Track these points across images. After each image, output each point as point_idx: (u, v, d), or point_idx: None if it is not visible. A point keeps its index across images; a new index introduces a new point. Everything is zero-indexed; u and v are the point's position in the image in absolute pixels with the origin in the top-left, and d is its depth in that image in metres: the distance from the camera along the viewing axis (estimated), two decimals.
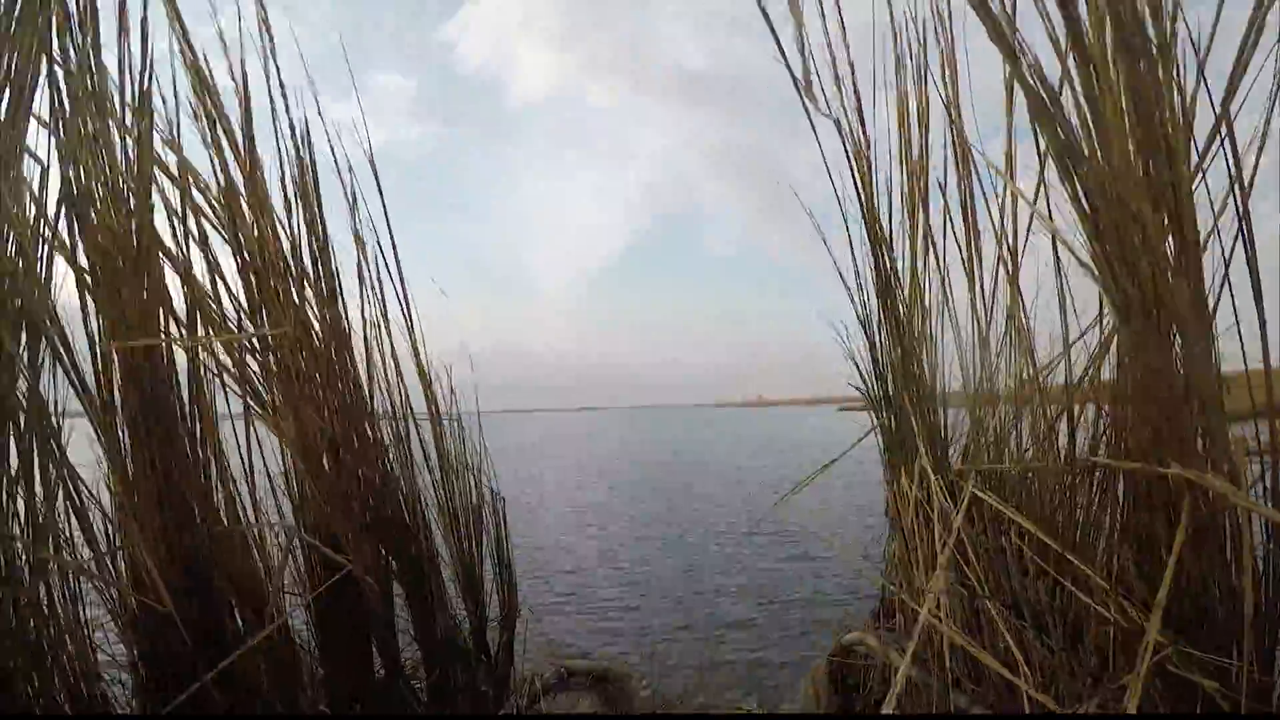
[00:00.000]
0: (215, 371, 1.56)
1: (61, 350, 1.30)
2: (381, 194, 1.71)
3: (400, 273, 1.78)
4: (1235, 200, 1.12)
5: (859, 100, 1.54)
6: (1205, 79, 1.11)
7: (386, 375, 1.80)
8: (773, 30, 1.22)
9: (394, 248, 1.82)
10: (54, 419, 1.28)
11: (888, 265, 1.66)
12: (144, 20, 1.38)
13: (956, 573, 1.72)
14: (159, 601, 1.32)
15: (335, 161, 1.71)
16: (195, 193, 1.57)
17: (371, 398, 1.79)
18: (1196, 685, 1.26)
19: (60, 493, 1.31)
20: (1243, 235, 1.12)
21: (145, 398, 1.40)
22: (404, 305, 1.80)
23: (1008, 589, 1.67)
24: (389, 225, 1.82)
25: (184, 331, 1.49)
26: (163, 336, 1.40)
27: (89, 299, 1.35)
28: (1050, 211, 1.43)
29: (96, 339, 1.35)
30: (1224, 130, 1.09)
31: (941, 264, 1.67)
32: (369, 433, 1.79)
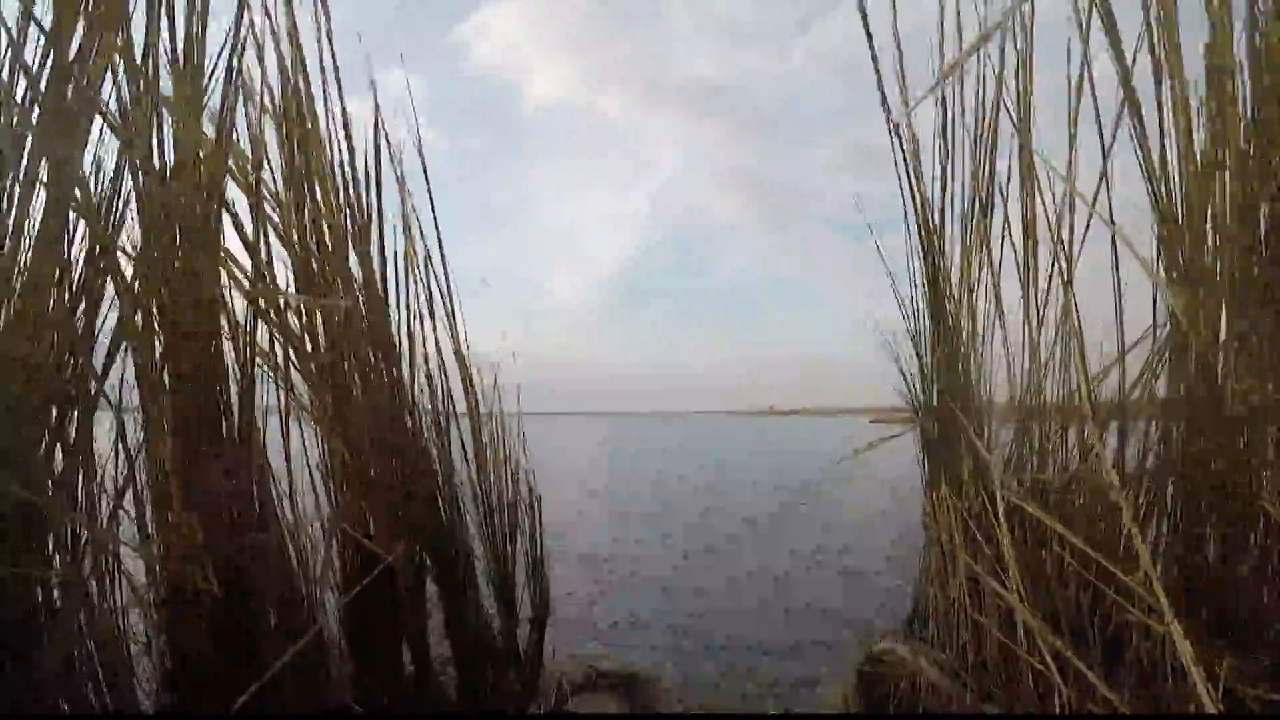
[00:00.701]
0: (261, 364, 1.56)
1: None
2: (428, 180, 1.72)
3: (445, 265, 1.78)
4: None
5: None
6: None
7: (428, 369, 1.80)
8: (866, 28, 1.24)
9: (439, 240, 1.83)
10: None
11: (939, 272, 1.67)
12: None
13: (995, 583, 1.74)
14: (204, 580, 1.31)
15: (374, 149, 1.71)
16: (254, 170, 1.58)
17: (413, 391, 1.79)
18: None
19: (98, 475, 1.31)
20: None
21: (192, 386, 1.40)
22: (447, 299, 1.80)
23: (1047, 601, 1.69)
24: (434, 215, 1.83)
25: (237, 322, 1.48)
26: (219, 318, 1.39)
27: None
28: (1111, 210, 1.44)
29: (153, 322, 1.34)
30: None
31: (995, 270, 1.69)
32: (409, 426, 1.79)
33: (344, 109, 1.65)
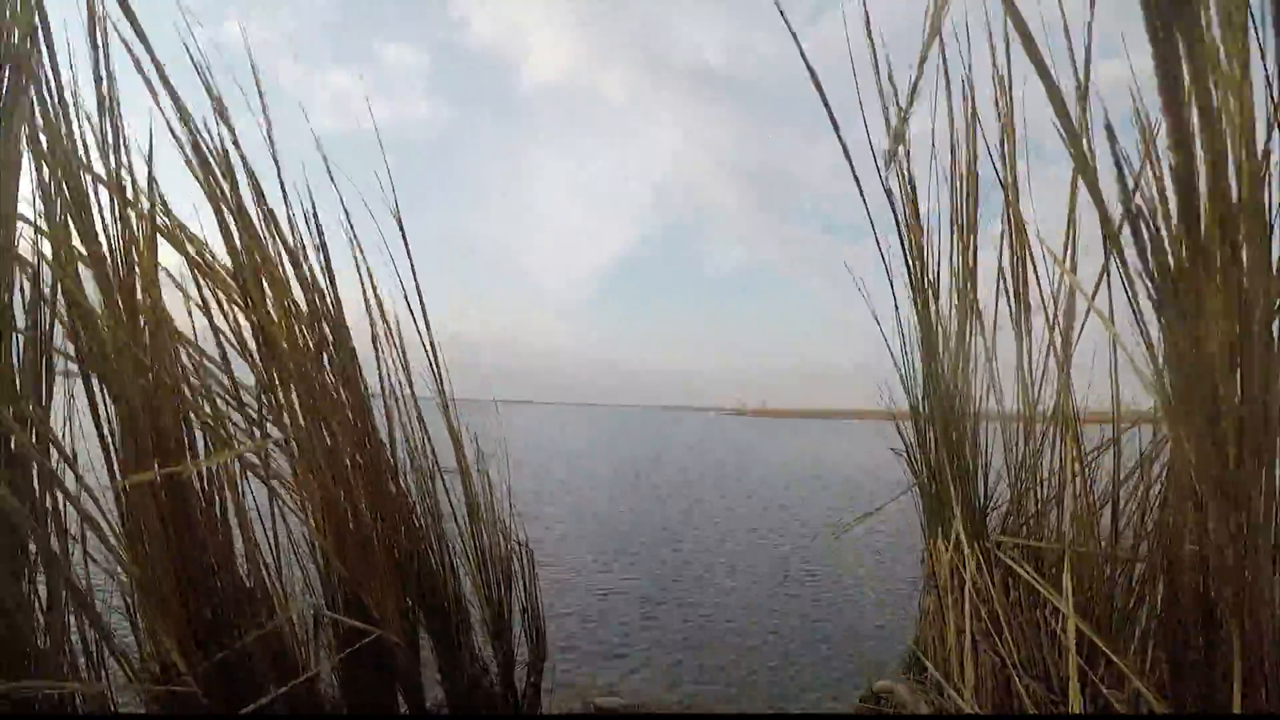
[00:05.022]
0: (234, 446, 1.67)
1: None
2: (407, 245, 1.78)
3: (429, 325, 1.86)
4: None
5: (913, 182, 1.56)
6: None
7: (410, 432, 1.90)
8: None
9: (420, 299, 1.90)
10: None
11: (935, 336, 1.71)
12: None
13: (989, 641, 1.84)
14: (183, 682, 1.47)
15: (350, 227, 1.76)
16: (201, 261, 1.66)
17: (394, 454, 1.89)
18: None
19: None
20: None
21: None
22: (434, 363, 1.88)
23: (1040, 662, 1.79)
24: (414, 272, 1.90)
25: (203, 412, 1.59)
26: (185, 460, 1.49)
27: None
28: (1111, 308, 1.46)
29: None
30: None
31: (989, 333, 1.72)
32: (394, 489, 1.90)
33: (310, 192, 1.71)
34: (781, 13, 1.45)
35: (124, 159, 1.51)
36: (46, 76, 1.36)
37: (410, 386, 1.90)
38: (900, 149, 1.75)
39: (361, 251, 1.87)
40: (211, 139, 1.61)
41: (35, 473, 1.38)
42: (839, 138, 1.54)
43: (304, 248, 1.77)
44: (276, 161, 1.70)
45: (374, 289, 1.88)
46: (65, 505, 1.42)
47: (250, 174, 1.65)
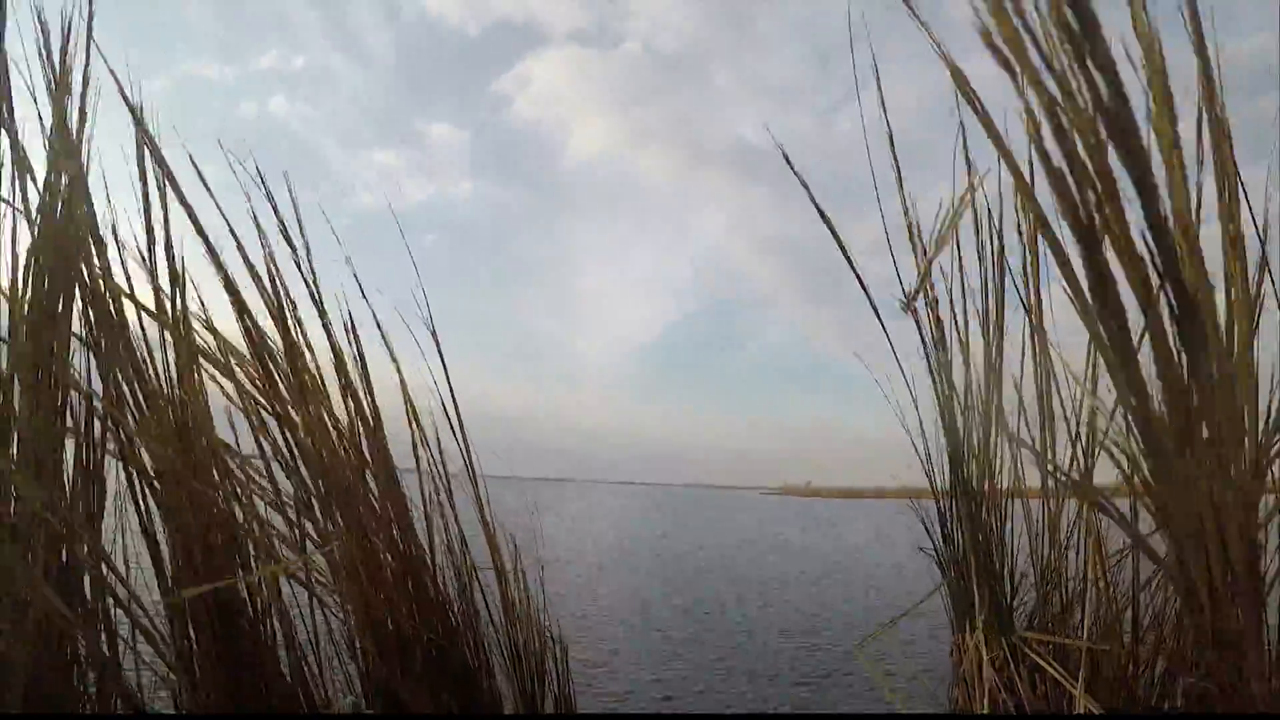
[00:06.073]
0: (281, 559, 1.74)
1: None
2: (446, 369, 1.86)
3: (466, 440, 1.93)
4: None
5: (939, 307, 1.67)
6: None
7: (448, 535, 1.97)
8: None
9: (454, 399, 1.97)
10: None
11: (961, 446, 1.80)
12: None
13: None
14: None
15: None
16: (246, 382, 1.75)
17: (433, 558, 1.96)
18: None
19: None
20: None
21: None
22: (470, 469, 1.96)
23: None
24: (446, 374, 1.98)
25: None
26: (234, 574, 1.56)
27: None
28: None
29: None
30: None
31: (1013, 441, 1.82)
32: (431, 592, 1.97)
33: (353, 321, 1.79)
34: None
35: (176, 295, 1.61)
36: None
37: (450, 495, 1.97)
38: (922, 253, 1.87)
39: (397, 362, 1.95)
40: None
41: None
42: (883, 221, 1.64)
43: (344, 358, 1.84)
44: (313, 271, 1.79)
45: (409, 401, 1.96)
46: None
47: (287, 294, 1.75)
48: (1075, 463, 1.66)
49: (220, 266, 1.68)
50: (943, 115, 1.88)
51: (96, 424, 1.59)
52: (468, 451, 1.98)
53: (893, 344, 1.88)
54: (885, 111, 1.89)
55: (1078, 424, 1.65)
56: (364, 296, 1.85)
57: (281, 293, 1.75)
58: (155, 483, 1.63)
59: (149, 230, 1.66)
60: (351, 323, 1.87)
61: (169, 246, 1.66)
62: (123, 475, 1.64)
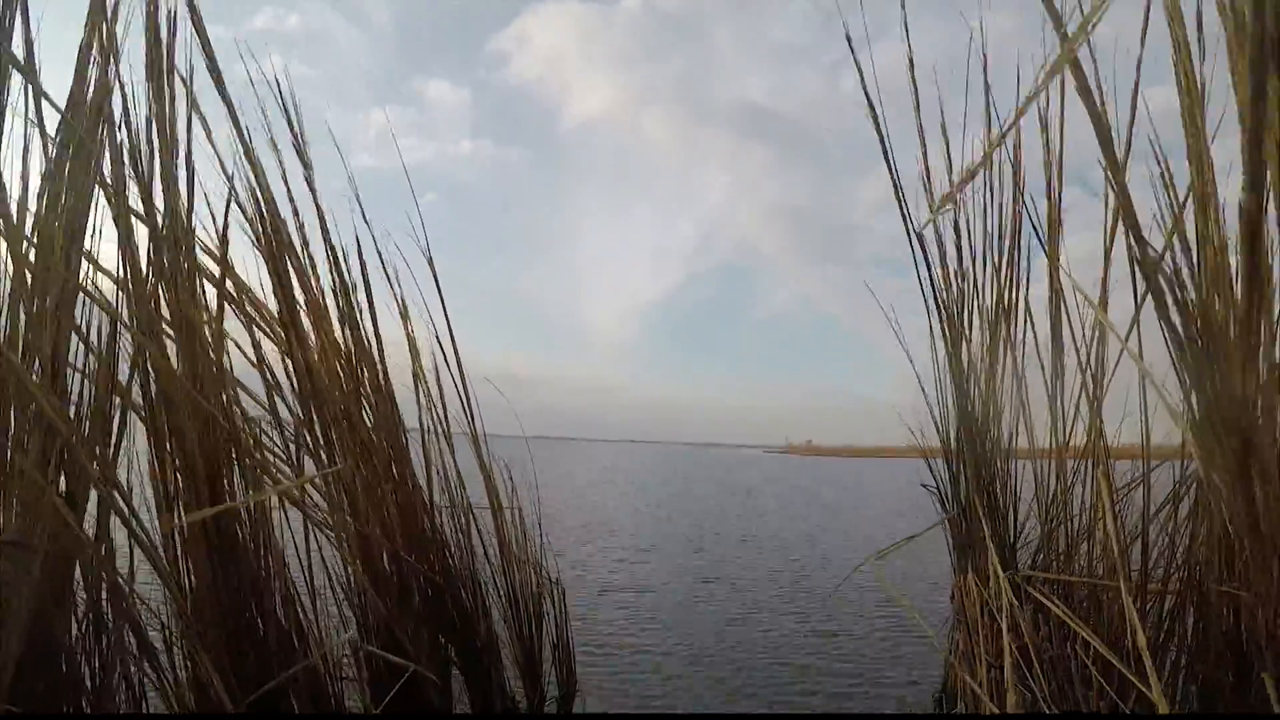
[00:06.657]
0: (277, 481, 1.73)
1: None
2: (446, 307, 1.85)
3: (463, 376, 1.91)
4: None
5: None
6: None
7: (446, 473, 1.96)
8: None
9: (451, 337, 1.96)
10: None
11: (965, 375, 1.78)
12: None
13: (1019, 675, 1.90)
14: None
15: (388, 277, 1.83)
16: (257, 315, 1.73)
17: (431, 496, 1.95)
18: None
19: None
20: None
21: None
22: (466, 405, 1.94)
23: (1071, 698, 1.85)
24: (445, 311, 1.96)
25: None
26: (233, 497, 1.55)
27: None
28: (1140, 349, 1.53)
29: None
30: None
31: (1020, 371, 1.80)
32: (428, 530, 1.96)
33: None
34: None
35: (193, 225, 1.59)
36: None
37: (446, 425, 1.96)
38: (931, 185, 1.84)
39: (402, 299, 1.94)
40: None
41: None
42: (891, 174, 1.62)
43: (348, 286, 1.83)
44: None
45: (409, 331, 1.94)
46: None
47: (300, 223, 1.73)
48: (1085, 389, 1.64)
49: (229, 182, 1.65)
50: (945, 73, 1.88)
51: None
52: (465, 386, 1.97)
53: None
54: (910, 49, 1.88)
55: (1088, 352, 1.62)
56: (365, 220, 1.84)
57: (292, 212, 1.73)
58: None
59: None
60: (358, 245, 1.85)
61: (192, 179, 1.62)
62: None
